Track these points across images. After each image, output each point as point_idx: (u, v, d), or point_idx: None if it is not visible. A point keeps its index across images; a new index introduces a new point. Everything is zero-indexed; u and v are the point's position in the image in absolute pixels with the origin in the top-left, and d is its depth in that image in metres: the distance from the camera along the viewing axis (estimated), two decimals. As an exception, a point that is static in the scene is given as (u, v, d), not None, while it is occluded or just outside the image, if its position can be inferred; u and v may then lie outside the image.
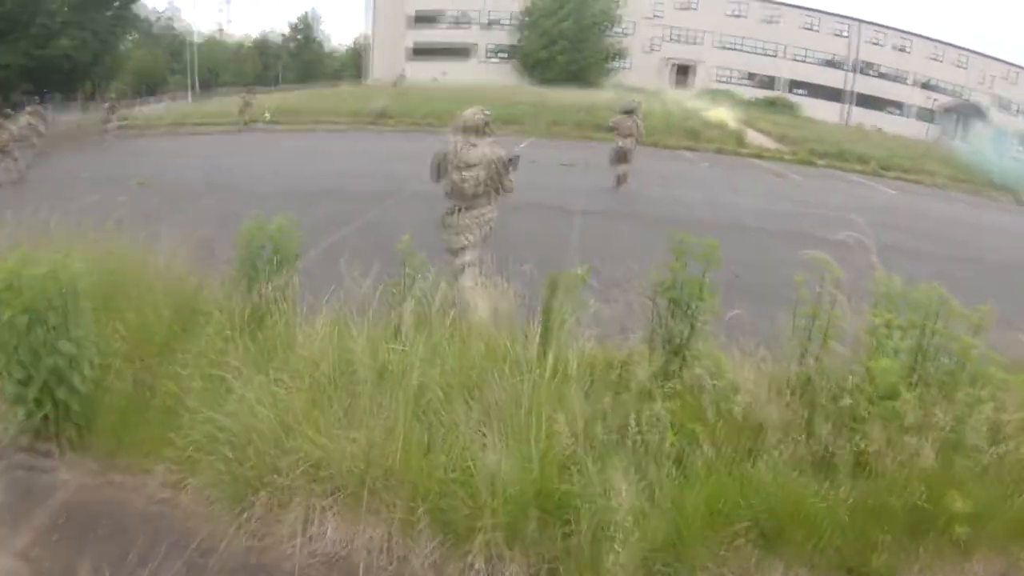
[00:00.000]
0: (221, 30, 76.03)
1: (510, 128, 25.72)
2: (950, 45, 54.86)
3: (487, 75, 48.94)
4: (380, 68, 55.58)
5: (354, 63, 72.86)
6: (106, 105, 24.96)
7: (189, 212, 8.50)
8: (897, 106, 54.89)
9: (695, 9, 52.80)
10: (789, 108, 47.78)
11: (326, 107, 29.33)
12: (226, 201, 10.09)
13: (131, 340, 3.69)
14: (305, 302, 3.92)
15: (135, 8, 41.75)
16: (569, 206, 10.85)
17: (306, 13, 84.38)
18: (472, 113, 5.20)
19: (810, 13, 53.01)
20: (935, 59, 54.78)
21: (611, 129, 13.96)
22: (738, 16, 52.90)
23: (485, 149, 5.13)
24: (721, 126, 29.33)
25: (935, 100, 54.02)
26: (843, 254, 3.57)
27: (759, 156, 25.94)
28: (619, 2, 51.24)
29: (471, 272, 5.12)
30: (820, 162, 26.38)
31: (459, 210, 5.25)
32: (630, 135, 13.44)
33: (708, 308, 3.54)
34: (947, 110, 54.05)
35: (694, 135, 26.53)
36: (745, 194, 15.40)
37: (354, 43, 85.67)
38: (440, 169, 5.27)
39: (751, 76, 53.41)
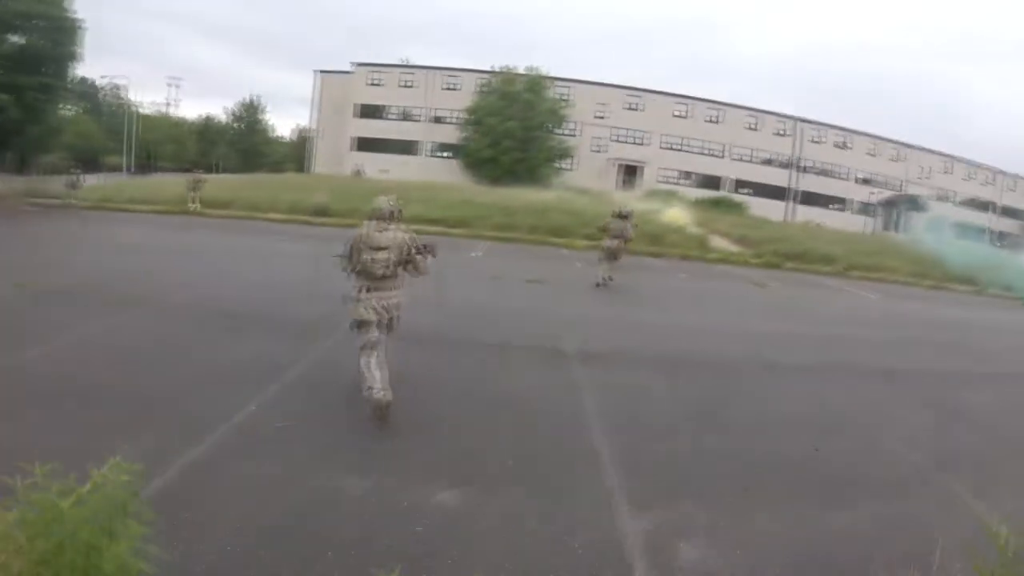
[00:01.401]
0: (167, 106, 74.16)
1: (461, 230, 23.68)
2: (887, 140, 56.43)
3: (431, 172, 47.51)
4: (323, 160, 53.96)
5: (297, 154, 71.35)
6: (70, 178, 24.83)
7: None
8: (839, 201, 55.58)
9: (641, 110, 52.98)
10: (736, 207, 47.35)
11: (263, 197, 26.45)
12: (114, 332, 7.23)
13: None
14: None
15: (70, 77, 39.68)
16: (562, 345, 8.20)
17: (251, 99, 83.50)
18: (384, 200, 5.58)
19: (752, 113, 53.84)
20: (873, 154, 56.14)
21: (603, 229, 14.54)
22: (683, 117, 53.28)
23: (396, 233, 5.42)
24: (680, 230, 27.70)
25: (872, 194, 54.87)
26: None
27: (726, 261, 24.23)
28: (565, 103, 51.15)
29: (367, 355, 5.26)
30: (787, 264, 24.91)
31: (365, 289, 5.42)
32: (620, 237, 14.12)
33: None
34: (886, 203, 54.96)
35: (657, 240, 24.63)
36: (751, 314, 13.15)
37: (299, 133, 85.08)
38: (352, 252, 5.44)
39: (697, 176, 53.32)
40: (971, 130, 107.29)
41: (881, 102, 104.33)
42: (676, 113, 53.27)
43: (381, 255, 5.31)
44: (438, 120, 53.03)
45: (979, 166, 59.84)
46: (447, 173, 48.69)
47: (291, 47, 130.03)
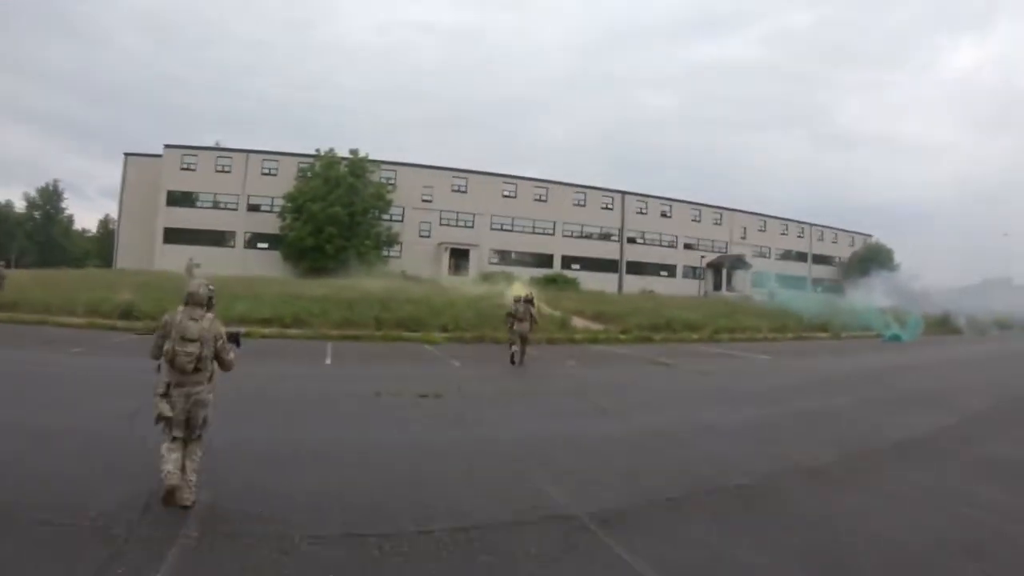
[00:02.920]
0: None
1: (298, 331, 19.65)
2: (707, 205, 59.80)
3: (248, 265, 42.54)
4: (130, 253, 46.33)
5: (104, 249, 62.50)
6: None
7: None
8: (667, 268, 57.44)
9: (465, 192, 51.71)
10: (570, 283, 46.96)
11: (58, 297, 20.58)
12: None
13: None
14: None
15: None
16: (557, 502, 5.08)
17: (47, 185, 72.83)
18: (198, 285, 5.17)
19: (579, 189, 54.67)
20: (696, 219, 59.09)
21: (510, 315, 15.59)
22: (511, 196, 52.76)
23: (206, 324, 5.00)
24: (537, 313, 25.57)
25: (703, 257, 57.61)
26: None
27: (596, 340, 22.34)
28: (390, 187, 48.64)
29: (172, 443, 4.85)
30: (657, 337, 23.65)
31: (170, 385, 4.95)
32: (525, 319, 15.18)
33: None
34: (713, 264, 57.78)
35: (513, 325, 22.18)
36: (697, 402, 10.98)
37: (106, 226, 75.31)
38: (160, 341, 5.00)
39: (528, 255, 52.47)
40: (769, 190, 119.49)
41: (684, 171, 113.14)
42: (504, 193, 52.68)
43: (191, 348, 4.91)
44: (255, 208, 47.98)
45: (790, 221, 65.14)
46: (266, 266, 43.87)
47: (102, 135, 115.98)
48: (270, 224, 47.18)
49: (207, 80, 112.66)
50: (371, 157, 47.93)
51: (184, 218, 46.84)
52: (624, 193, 56.02)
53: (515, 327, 15.14)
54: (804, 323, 30.73)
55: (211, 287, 5.21)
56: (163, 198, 47.04)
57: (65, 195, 73.72)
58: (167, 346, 4.92)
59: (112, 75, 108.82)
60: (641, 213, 56.76)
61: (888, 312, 32.43)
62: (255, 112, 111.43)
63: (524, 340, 15.18)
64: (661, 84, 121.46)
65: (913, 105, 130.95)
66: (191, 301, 5.03)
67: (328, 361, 14.42)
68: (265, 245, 47.42)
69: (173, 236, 46.15)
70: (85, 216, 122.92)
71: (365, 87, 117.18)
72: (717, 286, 57.47)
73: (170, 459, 4.76)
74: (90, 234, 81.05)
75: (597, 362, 17.00)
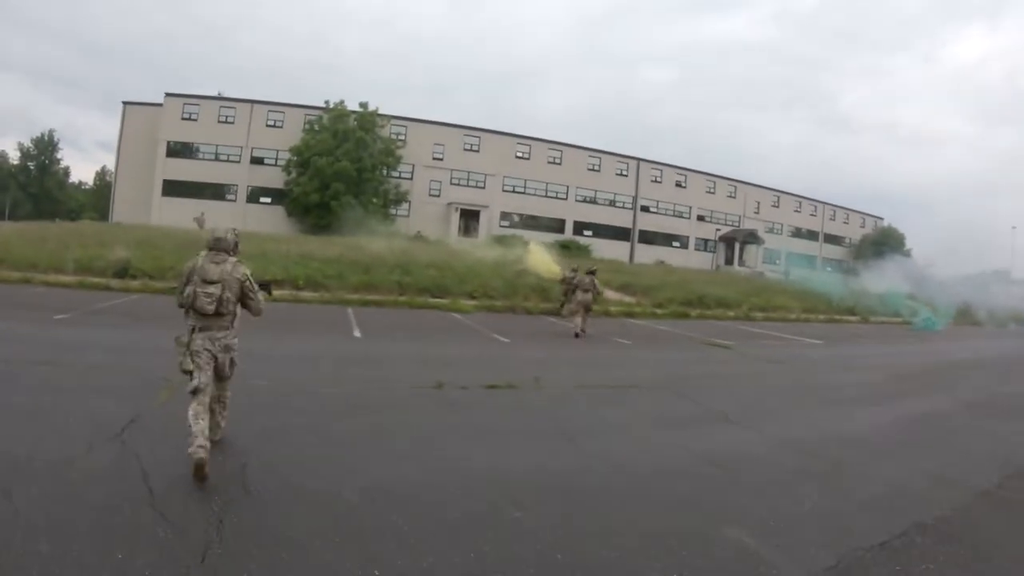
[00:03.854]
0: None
1: (313, 294, 18.37)
2: (722, 177, 58.14)
3: (250, 220, 40.85)
4: (127, 207, 44.22)
5: (100, 202, 60.50)
6: None
7: None
8: (680, 239, 56.05)
9: (478, 151, 49.78)
10: (583, 251, 45.42)
11: (45, 254, 18.89)
12: None
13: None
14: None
15: None
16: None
17: (42, 135, 70.41)
18: (225, 231, 4.99)
19: (594, 153, 52.84)
20: (711, 191, 57.46)
21: (570, 283, 16.51)
22: (524, 158, 50.91)
23: (228, 267, 4.86)
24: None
25: (718, 230, 56.31)
26: None
27: (631, 314, 21.16)
28: (400, 143, 46.65)
29: (198, 400, 4.58)
30: (692, 313, 22.60)
31: (194, 330, 4.77)
32: (590, 290, 15.40)
33: None
34: (726, 238, 56.44)
35: (547, 294, 20.81)
36: (795, 400, 9.77)
37: (102, 178, 73.17)
38: (183, 286, 4.85)
39: (541, 219, 50.79)
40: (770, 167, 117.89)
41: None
42: (518, 154, 50.81)
43: (212, 288, 4.74)
44: (258, 161, 45.93)
45: (803, 198, 63.68)
46: (269, 221, 42.16)
47: (100, 86, 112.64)
48: (274, 178, 45.23)
49: (201, 33, 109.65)
50: (381, 111, 45.82)
51: (184, 170, 44.87)
52: (639, 160, 54.25)
53: (579, 297, 15.46)
54: (832, 305, 29.80)
55: (237, 232, 5.07)
56: (163, 149, 44.92)
57: (60, 145, 71.27)
58: (187, 289, 4.78)
59: (107, 28, 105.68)
60: (656, 182, 55.08)
61: (916, 299, 31.28)
62: (254, 71, 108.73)
63: (587, 310, 15.55)
64: (661, 60, 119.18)
65: (918, 93, 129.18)
66: (216, 247, 4.91)
67: (357, 333, 13.03)
68: (268, 200, 45.58)
69: (172, 189, 44.26)
70: (82, 168, 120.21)
71: (362, 50, 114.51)
72: (729, 260, 56.25)
73: (197, 428, 4.40)
74: (87, 187, 78.86)
75: (650, 341, 15.80)
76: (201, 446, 4.32)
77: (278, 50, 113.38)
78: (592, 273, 15.92)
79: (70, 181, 75.97)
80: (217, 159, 45.82)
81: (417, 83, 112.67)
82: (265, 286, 5.19)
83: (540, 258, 25.16)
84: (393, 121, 46.83)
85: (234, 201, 45.55)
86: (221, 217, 38.39)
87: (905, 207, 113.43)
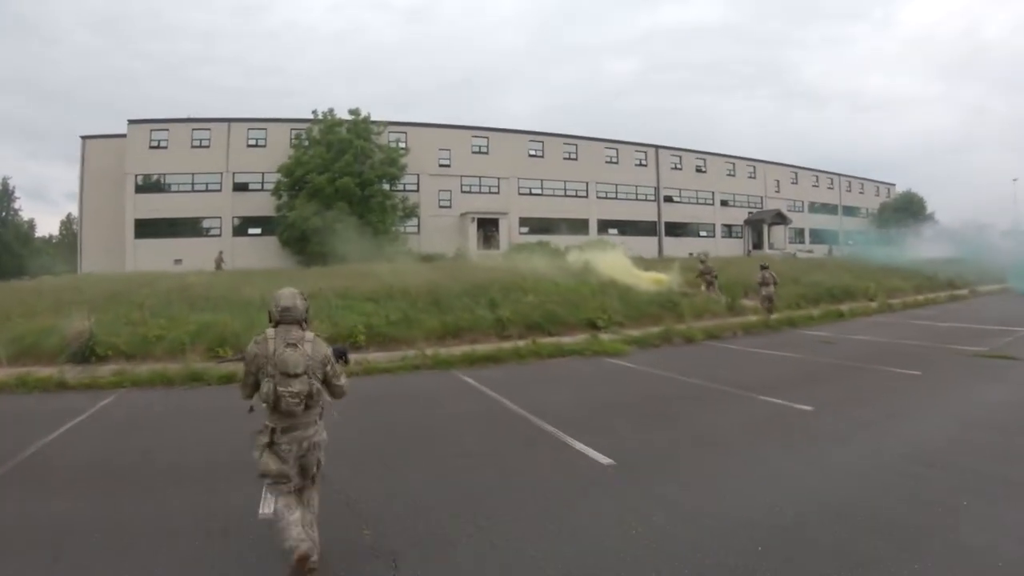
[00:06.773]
0: None
1: (379, 355, 12.77)
2: (741, 158, 54.30)
3: (239, 256, 35.42)
4: (96, 254, 38.45)
5: (70, 253, 53.73)
6: None
7: None
8: (707, 227, 52.01)
9: (487, 153, 44.79)
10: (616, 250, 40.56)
11: None
12: None
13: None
14: None
15: None
16: None
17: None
18: (292, 296, 3.77)
19: (611, 144, 48.30)
20: (732, 174, 53.57)
21: (703, 274, 20.16)
22: (538, 156, 46.09)
23: (309, 349, 3.68)
24: (680, 290, 19.57)
25: (751, 212, 52.65)
26: None
27: (792, 323, 17.64)
28: (403, 151, 41.18)
29: (285, 497, 3.64)
30: (844, 310, 19.63)
31: (275, 431, 3.67)
32: (770, 283, 17.47)
33: None
34: (752, 221, 52.83)
35: (674, 311, 16.41)
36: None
37: (68, 226, 66.34)
38: (251, 379, 3.71)
39: (563, 221, 45.66)
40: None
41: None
42: (531, 152, 46.03)
43: (298, 385, 3.60)
44: (242, 188, 40.31)
45: (820, 172, 60.47)
46: (261, 254, 36.69)
47: (61, 136, 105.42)
48: (262, 205, 39.54)
49: (158, 71, 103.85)
50: (374, 118, 40.15)
51: (157, 206, 39.09)
52: (658, 147, 49.88)
53: (764, 292, 17.56)
54: (934, 280, 26.72)
55: (304, 295, 3.86)
56: (131, 185, 39.17)
57: (18, 196, 63.96)
58: (265, 387, 3.63)
59: (65, 72, 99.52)
60: (676, 168, 50.84)
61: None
62: (214, 102, 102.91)
63: (772, 302, 17.39)
64: (623, 50, 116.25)
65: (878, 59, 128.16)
66: (285, 318, 3.73)
67: (584, 449, 7.35)
68: (258, 230, 39.95)
69: (146, 229, 38.56)
70: (52, 222, 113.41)
71: (320, 70, 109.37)
72: (757, 244, 52.35)
73: (291, 522, 3.56)
74: (56, 240, 71.74)
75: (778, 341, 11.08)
76: (301, 538, 3.49)
77: (238, 82, 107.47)
78: (766, 268, 17.90)
79: (39, 235, 68.65)
80: (194, 190, 40.07)
81: (380, 95, 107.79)
82: (341, 355, 3.93)
83: (621, 264, 21.19)
84: (390, 127, 41.39)
85: (219, 236, 39.75)
86: (205, 255, 32.81)
87: (903, 171, 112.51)
